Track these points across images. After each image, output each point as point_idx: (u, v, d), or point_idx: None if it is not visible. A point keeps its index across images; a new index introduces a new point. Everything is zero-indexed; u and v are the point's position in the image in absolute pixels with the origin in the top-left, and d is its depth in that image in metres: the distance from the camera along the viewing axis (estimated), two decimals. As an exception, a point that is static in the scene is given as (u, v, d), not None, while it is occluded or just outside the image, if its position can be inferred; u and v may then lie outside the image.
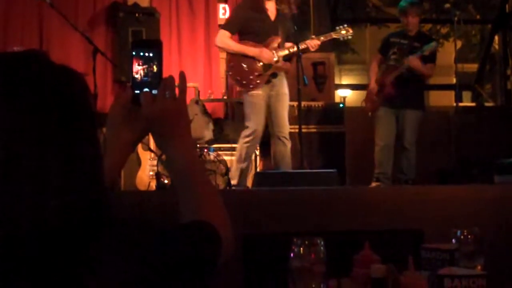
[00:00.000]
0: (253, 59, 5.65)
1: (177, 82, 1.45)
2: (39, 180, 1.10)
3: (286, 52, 5.68)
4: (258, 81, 5.65)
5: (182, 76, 1.46)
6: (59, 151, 1.12)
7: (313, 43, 5.66)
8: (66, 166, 1.13)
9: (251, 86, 5.66)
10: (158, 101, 1.41)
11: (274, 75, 5.69)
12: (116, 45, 7.62)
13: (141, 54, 1.46)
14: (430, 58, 6.34)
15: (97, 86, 5.54)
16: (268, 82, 5.68)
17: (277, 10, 5.67)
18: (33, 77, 1.14)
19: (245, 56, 5.67)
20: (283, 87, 5.72)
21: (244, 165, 5.67)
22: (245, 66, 5.66)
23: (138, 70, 1.46)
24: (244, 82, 5.69)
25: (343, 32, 5.94)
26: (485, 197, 4.31)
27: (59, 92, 1.15)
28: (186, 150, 1.44)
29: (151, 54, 1.47)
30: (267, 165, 6.27)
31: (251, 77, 5.66)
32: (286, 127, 5.69)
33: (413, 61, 6.22)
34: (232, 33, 5.75)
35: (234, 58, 5.73)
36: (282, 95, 5.68)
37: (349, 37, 5.97)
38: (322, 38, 5.77)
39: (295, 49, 5.64)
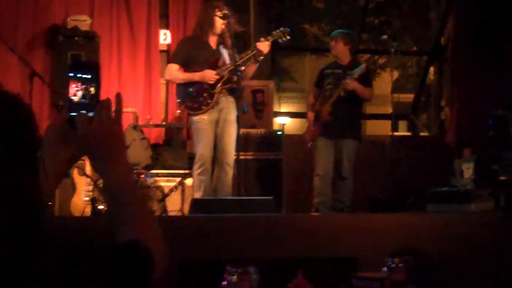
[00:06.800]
0: (200, 82, 5.68)
1: (113, 105, 1.44)
2: None
3: (240, 59, 5.64)
4: (209, 101, 5.67)
5: (119, 98, 1.45)
6: None
7: (264, 44, 5.61)
8: (3, 192, 1.12)
9: (203, 107, 5.67)
10: (94, 123, 1.41)
11: (223, 93, 5.70)
12: (54, 68, 7.49)
13: (79, 76, 1.46)
14: (366, 82, 6.41)
15: (33, 110, 5.46)
16: (216, 104, 5.68)
17: (218, 40, 5.77)
18: None
19: (192, 83, 5.71)
20: (231, 113, 5.69)
21: (199, 194, 5.61)
22: (193, 91, 5.70)
23: (75, 92, 1.45)
24: (195, 105, 5.71)
25: (282, 34, 5.80)
26: (418, 225, 4.39)
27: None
28: (121, 172, 1.43)
29: (88, 76, 1.46)
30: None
31: (200, 99, 5.68)
32: (230, 155, 5.69)
33: (350, 83, 6.26)
34: (180, 65, 5.84)
35: (181, 87, 5.80)
36: (230, 122, 5.66)
37: (288, 37, 5.84)
38: (269, 38, 5.69)
39: (253, 52, 5.64)
